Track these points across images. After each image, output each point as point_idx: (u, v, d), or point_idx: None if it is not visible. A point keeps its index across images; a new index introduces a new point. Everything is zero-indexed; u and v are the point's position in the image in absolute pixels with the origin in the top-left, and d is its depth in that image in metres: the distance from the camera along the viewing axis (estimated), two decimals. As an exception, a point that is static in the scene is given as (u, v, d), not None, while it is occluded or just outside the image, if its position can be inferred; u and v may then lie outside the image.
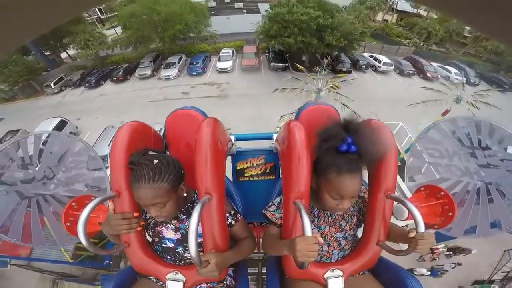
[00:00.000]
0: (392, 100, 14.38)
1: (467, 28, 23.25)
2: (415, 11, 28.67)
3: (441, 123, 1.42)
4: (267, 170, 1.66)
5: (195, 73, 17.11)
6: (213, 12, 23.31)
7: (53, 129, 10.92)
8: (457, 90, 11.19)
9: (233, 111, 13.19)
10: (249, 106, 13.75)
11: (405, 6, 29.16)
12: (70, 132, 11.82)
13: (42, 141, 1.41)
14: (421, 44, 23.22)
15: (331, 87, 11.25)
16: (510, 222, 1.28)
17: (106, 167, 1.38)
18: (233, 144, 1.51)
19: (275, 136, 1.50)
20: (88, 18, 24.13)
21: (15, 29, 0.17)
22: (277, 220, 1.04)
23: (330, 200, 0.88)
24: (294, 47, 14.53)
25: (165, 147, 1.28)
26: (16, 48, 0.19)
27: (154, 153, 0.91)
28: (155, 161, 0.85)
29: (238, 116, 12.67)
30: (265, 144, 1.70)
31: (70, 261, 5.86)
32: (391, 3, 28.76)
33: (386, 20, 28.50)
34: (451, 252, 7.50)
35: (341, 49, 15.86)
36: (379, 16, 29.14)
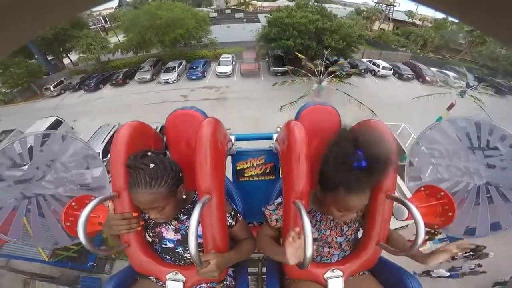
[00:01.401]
0: (392, 102, 14.42)
1: (461, 35, 23.48)
2: (410, 20, 29.68)
3: (441, 123, 1.42)
4: (267, 170, 1.66)
5: (195, 77, 17.24)
6: (213, 22, 23.72)
7: (47, 128, 10.78)
8: (461, 83, 11.06)
9: (232, 113, 13.19)
10: (249, 108, 13.77)
11: (401, 16, 30.41)
12: (66, 132, 11.80)
13: (41, 141, 1.41)
14: (418, 51, 23.63)
15: (334, 77, 11.17)
16: (510, 222, 1.28)
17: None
18: (233, 144, 1.51)
19: (275, 136, 1.50)
20: (93, 27, 24.32)
21: (15, 29, 0.17)
22: (272, 221, 1.05)
23: (336, 213, 0.87)
24: (293, 50, 14.60)
25: (165, 147, 1.28)
26: (16, 49, 0.19)
27: (152, 155, 0.91)
28: (152, 165, 0.84)
29: (237, 117, 12.66)
30: (265, 144, 1.70)
31: (47, 260, 5.40)
32: (387, 12, 29.63)
33: (383, 29, 29.34)
34: (471, 253, 7.08)
35: (340, 53, 16.01)
36: (376, 26, 30.12)
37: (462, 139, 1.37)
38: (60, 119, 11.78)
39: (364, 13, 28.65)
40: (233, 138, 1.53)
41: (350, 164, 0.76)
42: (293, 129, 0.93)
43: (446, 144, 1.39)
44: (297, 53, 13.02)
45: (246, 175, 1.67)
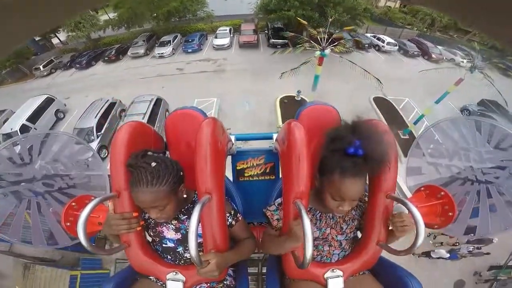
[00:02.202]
0: (396, 78, 14.13)
1: None
2: None
3: (441, 123, 1.42)
4: (267, 170, 1.66)
5: (191, 50, 16.69)
6: None
7: (40, 105, 10.84)
8: (471, 59, 10.83)
9: (230, 85, 12.88)
10: (247, 80, 13.39)
11: None
12: (58, 110, 11.58)
13: (40, 141, 1.41)
14: (425, 30, 22.62)
15: (337, 44, 10.99)
16: (510, 222, 1.28)
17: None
18: (233, 144, 1.51)
19: (275, 136, 1.50)
20: None
21: (15, 29, 0.17)
22: (273, 221, 1.05)
23: (331, 201, 0.88)
24: (294, 21, 13.94)
25: (165, 147, 1.28)
26: (16, 48, 0.19)
27: (153, 154, 0.91)
28: (153, 164, 0.84)
29: (235, 90, 12.37)
30: (265, 144, 1.70)
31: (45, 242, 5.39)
32: None
33: (389, 7, 27.85)
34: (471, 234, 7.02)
35: (344, 26, 14.98)
36: (382, 2, 28.76)
37: (462, 139, 1.37)
38: (52, 97, 11.67)
39: None
40: (233, 138, 1.53)
41: (346, 149, 0.80)
42: (293, 129, 0.93)
43: (446, 144, 1.39)
44: (299, 19, 12.68)
45: (246, 175, 1.67)
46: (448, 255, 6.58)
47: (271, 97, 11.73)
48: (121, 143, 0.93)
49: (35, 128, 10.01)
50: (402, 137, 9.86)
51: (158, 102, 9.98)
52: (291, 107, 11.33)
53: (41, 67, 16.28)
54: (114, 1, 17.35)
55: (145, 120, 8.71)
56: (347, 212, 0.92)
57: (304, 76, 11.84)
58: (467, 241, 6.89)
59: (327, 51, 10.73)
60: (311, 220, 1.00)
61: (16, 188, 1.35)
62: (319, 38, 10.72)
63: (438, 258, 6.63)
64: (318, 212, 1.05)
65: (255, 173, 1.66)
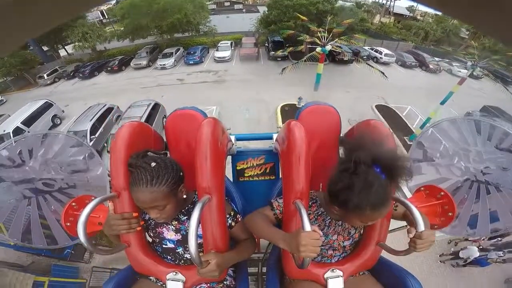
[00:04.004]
0: (397, 86, 14.39)
1: (463, 29, 23.40)
2: (411, 14, 29.54)
3: (441, 124, 1.42)
4: (267, 170, 1.66)
5: (192, 62, 16.96)
6: (213, 13, 23.47)
7: (37, 109, 10.67)
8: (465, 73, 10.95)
9: (230, 94, 12.99)
10: (247, 90, 13.51)
11: (402, 10, 30.45)
12: (55, 115, 11.45)
13: (40, 141, 1.41)
14: (420, 42, 23.53)
15: (338, 39, 11.15)
16: (509, 221, 1.28)
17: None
18: (233, 144, 1.51)
19: (275, 136, 1.50)
20: (90, 20, 24.42)
21: (15, 29, 0.17)
22: (277, 210, 1.03)
23: (359, 223, 0.84)
24: (294, 31, 14.26)
25: (165, 147, 1.28)
26: (16, 48, 0.19)
27: (153, 155, 0.91)
28: (153, 164, 0.84)
29: (235, 98, 12.47)
30: (265, 144, 1.70)
31: (12, 244, 4.54)
32: (387, 6, 29.60)
33: (383, 23, 29.36)
34: (498, 238, 6.08)
35: (342, 36, 15.73)
36: (376, 19, 30.20)
37: (462, 139, 1.37)
38: (51, 102, 11.54)
39: (365, 6, 28.65)
40: (233, 138, 1.53)
41: (372, 185, 0.74)
42: (293, 129, 0.93)
43: (446, 144, 1.39)
44: (299, 15, 12.91)
45: (246, 175, 1.66)
46: (477, 254, 5.87)
47: (271, 105, 11.82)
48: (121, 143, 0.93)
49: (28, 132, 9.78)
50: (408, 143, 9.92)
51: (156, 107, 9.72)
52: (292, 114, 11.37)
53: (45, 75, 16.45)
54: (121, 12, 17.91)
55: (140, 124, 8.58)
56: None
57: (304, 87, 11.96)
58: (492, 245, 6.32)
59: (328, 47, 10.82)
60: (318, 226, 0.99)
61: (16, 188, 1.35)
62: (319, 35, 10.83)
63: (466, 263, 5.88)
64: (328, 218, 1.02)
65: (255, 173, 1.66)
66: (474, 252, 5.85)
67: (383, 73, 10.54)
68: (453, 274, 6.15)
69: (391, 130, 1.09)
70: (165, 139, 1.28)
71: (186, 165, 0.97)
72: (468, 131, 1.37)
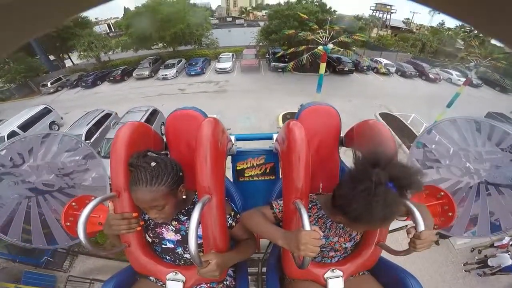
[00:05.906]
0: (398, 95, 14.53)
1: (459, 40, 23.61)
2: (407, 27, 30.51)
3: (441, 123, 1.42)
4: (267, 170, 1.66)
5: (194, 73, 17.23)
6: (215, 27, 24.03)
7: (35, 115, 10.57)
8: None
9: (231, 103, 13.10)
10: (248, 99, 13.66)
11: (398, 23, 31.73)
12: (53, 122, 11.39)
13: (40, 141, 1.41)
14: (417, 53, 24.14)
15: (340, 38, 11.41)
16: (509, 222, 1.28)
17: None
18: (233, 144, 1.51)
19: (275, 136, 1.50)
20: (98, 31, 24.67)
21: (15, 29, 0.17)
22: (276, 209, 1.03)
23: (363, 230, 0.86)
24: (294, 40, 14.48)
25: (165, 147, 1.28)
26: (16, 48, 0.19)
27: (153, 154, 0.91)
28: (153, 164, 0.84)
29: (236, 107, 12.57)
30: (265, 144, 1.70)
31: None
32: (384, 19, 30.77)
33: (380, 36, 30.29)
34: None
35: (341, 46, 15.86)
36: (374, 32, 31.11)
37: (462, 139, 1.37)
38: (50, 108, 11.50)
39: (362, 20, 29.32)
40: (233, 138, 1.53)
41: (390, 206, 0.72)
42: (293, 129, 0.93)
43: (446, 144, 1.39)
44: (300, 14, 13.06)
45: (246, 175, 1.66)
46: (510, 261, 5.22)
47: (272, 114, 11.92)
48: (121, 143, 0.93)
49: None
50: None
51: (155, 113, 9.55)
52: (294, 122, 11.64)
53: (48, 83, 16.62)
54: (126, 22, 18.50)
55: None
56: None
57: (305, 96, 12.07)
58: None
59: (330, 45, 10.92)
60: (320, 228, 0.99)
61: (16, 188, 1.35)
62: (321, 35, 10.93)
63: (495, 271, 5.23)
64: (329, 220, 1.01)
65: (255, 173, 1.66)
66: (506, 259, 5.29)
67: (388, 70, 10.63)
68: (479, 284, 5.60)
69: (390, 130, 1.09)
70: (165, 139, 1.28)
71: (186, 165, 0.97)
72: (468, 131, 1.37)
